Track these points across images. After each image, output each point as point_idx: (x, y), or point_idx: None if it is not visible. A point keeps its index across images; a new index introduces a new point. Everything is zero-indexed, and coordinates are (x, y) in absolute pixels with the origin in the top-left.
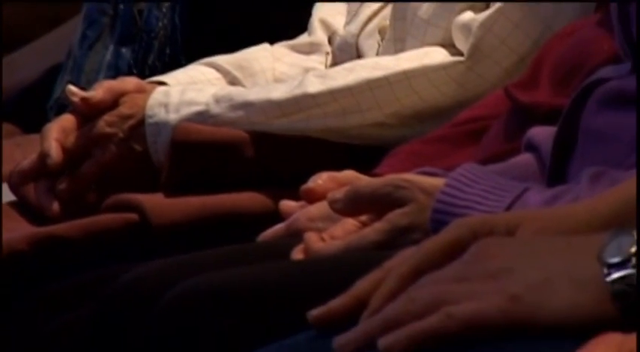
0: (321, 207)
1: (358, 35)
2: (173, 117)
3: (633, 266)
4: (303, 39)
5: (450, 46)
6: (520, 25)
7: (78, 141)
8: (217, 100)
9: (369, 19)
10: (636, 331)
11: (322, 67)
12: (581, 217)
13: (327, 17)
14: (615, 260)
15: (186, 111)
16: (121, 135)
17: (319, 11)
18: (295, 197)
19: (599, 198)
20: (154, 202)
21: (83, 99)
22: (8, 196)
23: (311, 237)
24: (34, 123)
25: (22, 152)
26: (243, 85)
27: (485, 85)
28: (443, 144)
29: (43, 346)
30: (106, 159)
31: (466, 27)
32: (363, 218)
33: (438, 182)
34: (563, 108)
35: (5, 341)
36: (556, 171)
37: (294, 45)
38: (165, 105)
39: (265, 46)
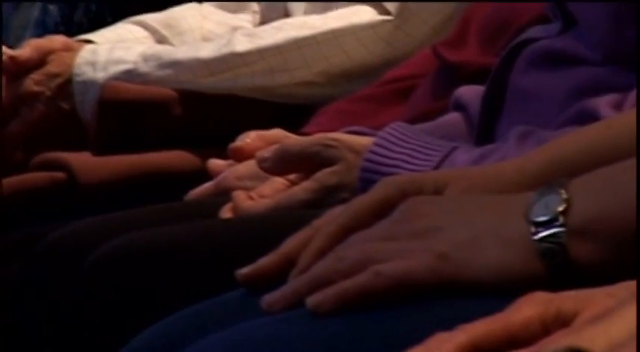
0: (249, 166)
1: None
2: (101, 75)
3: (560, 225)
4: None
5: (378, 4)
6: None
7: (5, 99)
8: (145, 59)
9: None
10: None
11: (250, 25)
12: (508, 176)
13: None
14: (542, 218)
15: (114, 69)
16: (48, 93)
17: None
18: (223, 155)
19: (526, 157)
20: (82, 161)
21: (11, 58)
22: None
23: (239, 196)
24: None
25: None
26: (171, 44)
27: (413, 44)
28: (371, 102)
29: None
30: (34, 117)
31: None
32: (292, 177)
33: (366, 141)
34: (491, 67)
35: None
36: (484, 130)
37: (223, 3)
38: (93, 64)
39: (193, 4)
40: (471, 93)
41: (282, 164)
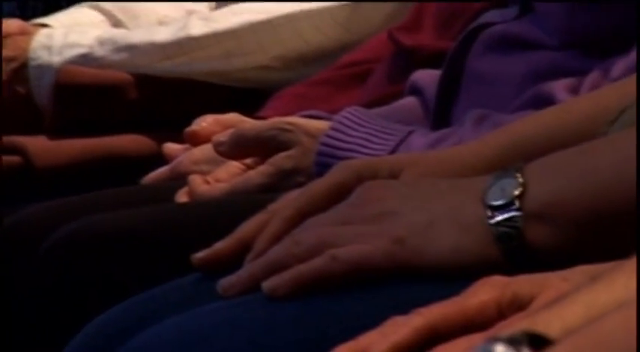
0: (205, 150)
1: None
2: (56, 59)
3: (516, 209)
4: None
5: None
6: None
7: None
8: (101, 43)
9: None
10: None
11: (206, 9)
12: (464, 160)
13: None
14: (498, 202)
15: (70, 53)
16: (3, 77)
17: None
18: (179, 140)
19: (482, 141)
20: (38, 145)
21: None
22: None
23: (195, 180)
24: None
25: None
26: (126, 28)
27: (370, 28)
28: (327, 87)
29: None
30: None
31: None
32: (248, 161)
33: (322, 125)
34: (446, 51)
35: None
36: (440, 114)
37: None
38: (49, 48)
39: None
40: (427, 77)
41: (238, 148)
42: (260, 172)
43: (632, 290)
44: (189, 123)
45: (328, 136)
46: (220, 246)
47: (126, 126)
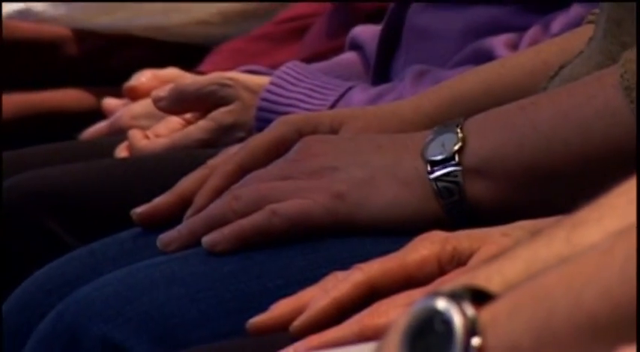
0: (144, 105)
1: None
2: None
3: (456, 164)
4: None
5: None
6: None
7: None
8: None
9: None
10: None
11: None
12: (404, 115)
13: None
14: (438, 157)
15: (8, 8)
16: None
17: None
18: (118, 95)
19: (422, 96)
20: None
21: None
22: None
23: (135, 135)
24: None
25: None
26: None
27: None
28: (266, 42)
29: None
30: None
31: None
32: (188, 116)
33: (262, 80)
34: (386, 7)
35: None
36: (380, 69)
37: None
38: None
39: None
40: (367, 32)
41: (177, 103)
42: (200, 127)
43: (573, 245)
44: (128, 78)
45: (268, 91)
46: (160, 200)
47: (65, 81)
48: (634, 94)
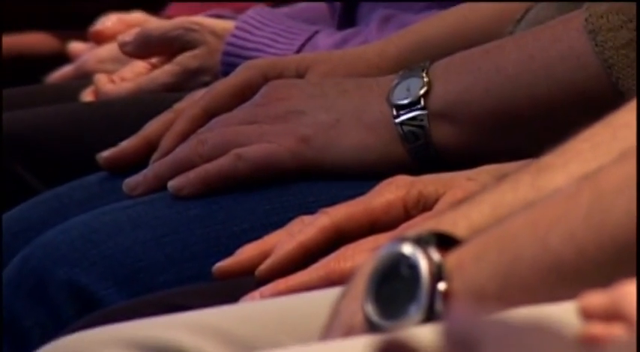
0: (110, 49)
1: None
2: None
3: (421, 108)
4: None
5: None
6: None
7: None
8: None
9: None
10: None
11: None
12: (371, 59)
13: None
14: (404, 101)
15: None
16: None
17: None
18: (84, 38)
19: (388, 41)
20: None
21: None
22: None
23: (100, 79)
24: None
25: None
26: None
27: None
28: None
29: None
30: None
31: None
32: (154, 60)
33: (228, 25)
34: None
35: None
36: (346, 14)
37: None
38: None
39: None
40: None
41: (143, 47)
42: (165, 71)
43: (538, 190)
44: (94, 22)
45: (234, 36)
46: (126, 144)
47: (30, 24)
48: (599, 38)
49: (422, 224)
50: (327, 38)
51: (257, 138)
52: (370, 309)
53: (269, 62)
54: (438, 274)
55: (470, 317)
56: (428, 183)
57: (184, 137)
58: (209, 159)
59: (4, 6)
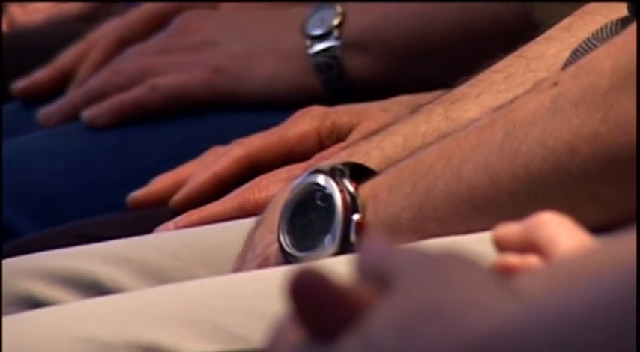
0: None
1: None
2: None
3: (335, 38)
4: None
5: None
6: None
7: None
8: None
9: None
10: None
11: None
12: None
13: None
14: (318, 32)
15: None
16: None
17: None
18: None
19: None
20: None
21: None
22: None
23: (14, 10)
24: None
25: None
26: None
27: None
28: None
29: None
30: None
31: None
32: None
33: None
34: None
35: None
36: None
37: None
38: None
39: None
40: None
41: None
42: (78, 2)
43: (451, 120)
44: None
45: None
46: (40, 75)
47: None
48: None
49: (336, 154)
50: None
51: (171, 68)
52: (285, 240)
53: None
54: (352, 205)
55: (384, 248)
56: (342, 113)
57: (99, 67)
58: (123, 88)
59: None
